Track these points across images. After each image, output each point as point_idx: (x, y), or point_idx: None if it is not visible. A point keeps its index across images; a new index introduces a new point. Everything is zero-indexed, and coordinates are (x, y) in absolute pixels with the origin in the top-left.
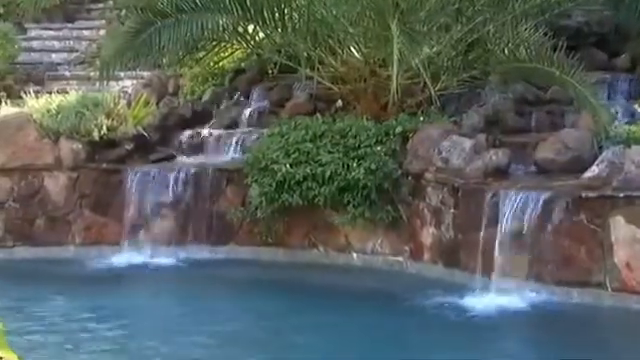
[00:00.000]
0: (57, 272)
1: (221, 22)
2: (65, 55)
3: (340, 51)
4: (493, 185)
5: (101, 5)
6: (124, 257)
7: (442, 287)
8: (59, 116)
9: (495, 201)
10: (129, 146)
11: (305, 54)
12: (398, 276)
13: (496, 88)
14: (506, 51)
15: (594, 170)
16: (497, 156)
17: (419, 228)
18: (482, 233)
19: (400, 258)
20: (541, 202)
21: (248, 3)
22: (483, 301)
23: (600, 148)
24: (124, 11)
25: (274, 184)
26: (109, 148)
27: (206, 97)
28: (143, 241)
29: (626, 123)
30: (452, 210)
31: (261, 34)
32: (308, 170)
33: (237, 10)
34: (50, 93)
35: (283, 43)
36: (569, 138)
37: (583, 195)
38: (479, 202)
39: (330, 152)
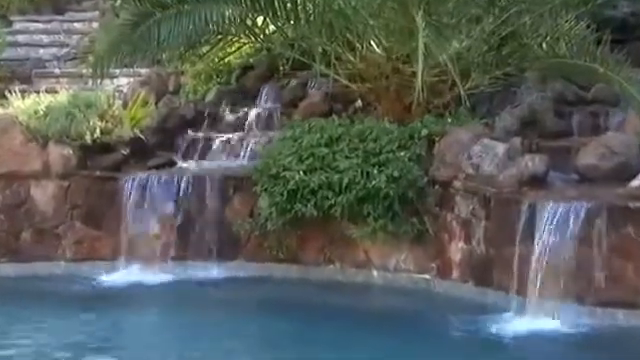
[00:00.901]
0: (45, 291)
1: (227, 13)
2: (54, 50)
3: (359, 45)
4: (529, 195)
5: None
6: (120, 274)
7: (473, 308)
8: (48, 118)
9: (531, 212)
10: (125, 151)
11: (320, 49)
12: (424, 296)
13: (533, 86)
14: (544, 45)
15: None
16: (534, 162)
17: (447, 242)
18: (517, 248)
19: (426, 276)
20: (583, 214)
21: None
22: (518, 324)
23: None
24: (119, 1)
25: (286, 193)
26: (103, 153)
27: (210, 96)
28: (141, 256)
29: None
30: (483, 222)
31: (272, 27)
32: (323, 178)
33: (245, 0)
34: (38, 92)
35: (296, 37)
36: (614, 142)
37: (631, 206)
38: (513, 213)
39: (348, 157)
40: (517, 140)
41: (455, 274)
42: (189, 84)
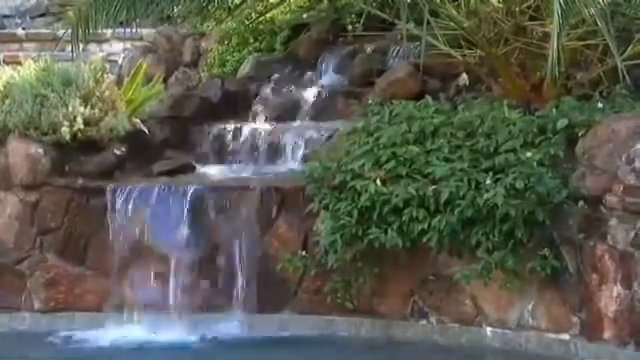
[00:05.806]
0: (3, 356)
1: None
2: (17, 2)
3: None
4: None
5: None
6: (110, 332)
7: None
8: (7, 102)
9: None
10: (120, 150)
11: None
12: None
13: None
14: None
15: None
16: None
17: (596, 286)
18: None
19: (565, 336)
20: None
21: None
22: None
23: None
24: None
25: (356, 212)
26: (88, 153)
27: (245, 70)
28: (141, 306)
29: None
30: None
31: None
32: (412, 190)
33: None
34: None
35: None
36: None
37: None
38: None
39: (448, 160)
40: None
41: (608, 333)
42: (214, 51)
